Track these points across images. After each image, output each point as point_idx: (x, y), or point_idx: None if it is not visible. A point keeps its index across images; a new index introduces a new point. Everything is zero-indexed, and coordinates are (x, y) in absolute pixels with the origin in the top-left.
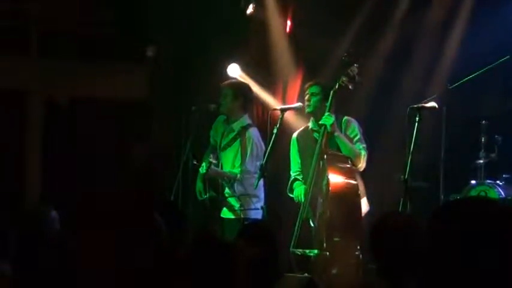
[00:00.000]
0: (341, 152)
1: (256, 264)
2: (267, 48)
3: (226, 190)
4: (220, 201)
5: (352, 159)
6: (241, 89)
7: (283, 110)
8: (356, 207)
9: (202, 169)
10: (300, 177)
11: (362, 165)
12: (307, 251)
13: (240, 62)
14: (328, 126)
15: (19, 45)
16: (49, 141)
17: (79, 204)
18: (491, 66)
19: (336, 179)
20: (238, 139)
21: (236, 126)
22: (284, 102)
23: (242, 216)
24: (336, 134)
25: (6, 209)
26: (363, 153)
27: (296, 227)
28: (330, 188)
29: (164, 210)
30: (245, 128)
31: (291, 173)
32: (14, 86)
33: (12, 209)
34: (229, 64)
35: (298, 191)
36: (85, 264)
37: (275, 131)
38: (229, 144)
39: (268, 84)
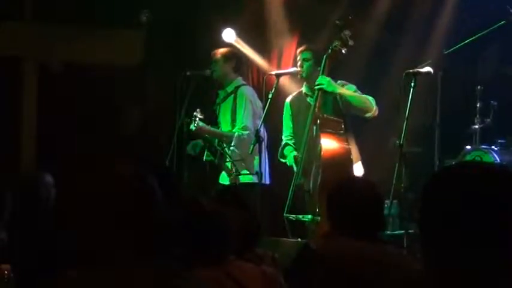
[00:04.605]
0: (336, 117)
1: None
2: (262, 13)
3: (225, 153)
4: (217, 166)
5: (364, 107)
6: (231, 53)
7: (278, 75)
8: (348, 172)
9: (192, 125)
10: (291, 142)
11: (376, 107)
12: (301, 216)
13: (236, 27)
14: (326, 87)
15: (14, 9)
16: (45, 107)
17: (76, 168)
18: (486, 31)
19: (328, 143)
20: (231, 96)
21: (230, 87)
22: (279, 68)
23: (237, 181)
24: (337, 91)
25: (2, 175)
26: (370, 97)
27: (290, 193)
28: (321, 153)
29: (158, 175)
30: (238, 87)
31: (283, 137)
32: (9, 51)
33: (7, 174)
34: (224, 29)
35: (290, 158)
36: (81, 227)
37: (270, 96)
38: (223, 101)
39: (264, 49)
